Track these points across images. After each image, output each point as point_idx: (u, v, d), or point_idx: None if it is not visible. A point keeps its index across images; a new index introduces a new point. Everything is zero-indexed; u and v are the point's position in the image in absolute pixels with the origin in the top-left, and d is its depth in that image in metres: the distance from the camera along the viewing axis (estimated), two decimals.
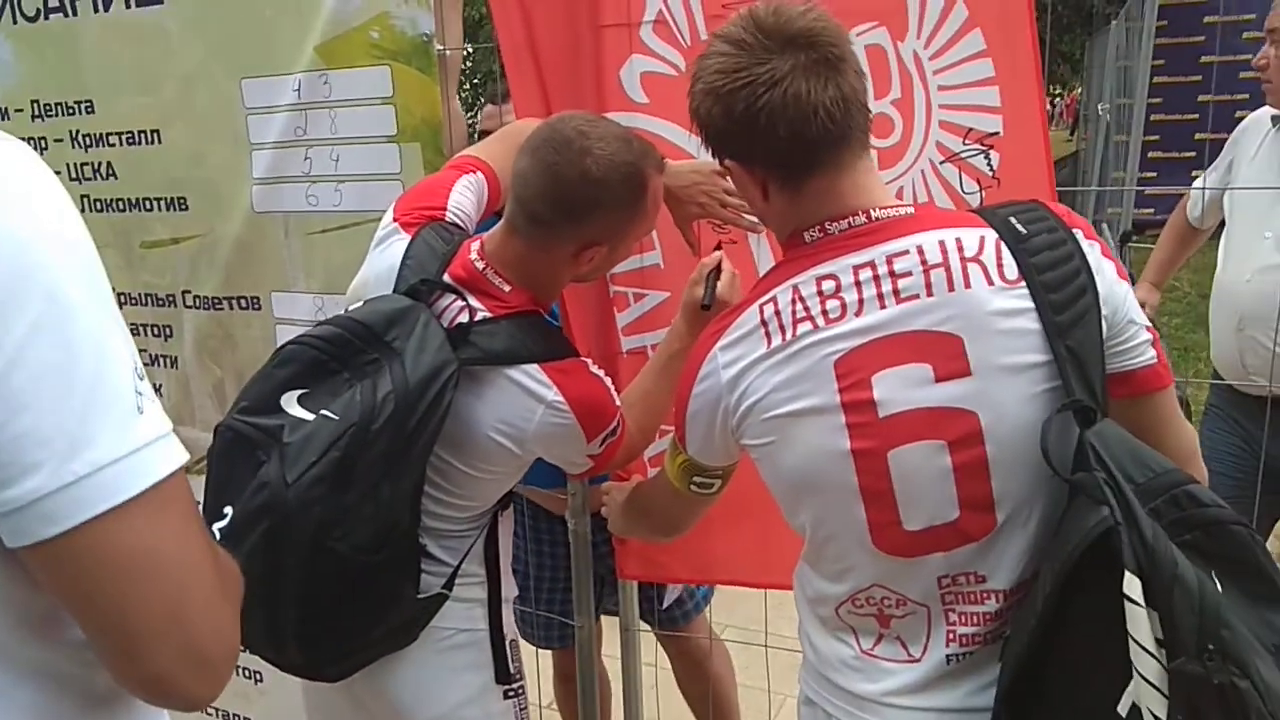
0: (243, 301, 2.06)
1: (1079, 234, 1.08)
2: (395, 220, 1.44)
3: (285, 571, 1.21)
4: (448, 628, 1.43)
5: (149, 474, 0.67)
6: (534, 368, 1.33)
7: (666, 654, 2.36)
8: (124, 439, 0.66)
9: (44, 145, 2.15)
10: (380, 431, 1.21)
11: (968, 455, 1.04)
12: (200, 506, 0.86)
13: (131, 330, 0.70)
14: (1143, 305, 2.51)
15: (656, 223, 1.52)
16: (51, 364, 0.64)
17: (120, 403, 0.67)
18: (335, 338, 1.28)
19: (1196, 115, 7.51)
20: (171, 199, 2.06)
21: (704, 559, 1.83)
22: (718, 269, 1.44)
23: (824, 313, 1.07)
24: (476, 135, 2.40)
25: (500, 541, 1.50)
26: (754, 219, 1.47)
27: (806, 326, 1.07)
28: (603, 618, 2.26)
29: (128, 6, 1.96)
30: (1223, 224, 2.38)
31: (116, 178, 2.11)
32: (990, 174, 1.52)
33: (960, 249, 1.05)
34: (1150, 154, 7.69)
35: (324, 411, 1.22)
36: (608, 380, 1.41)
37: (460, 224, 1.46)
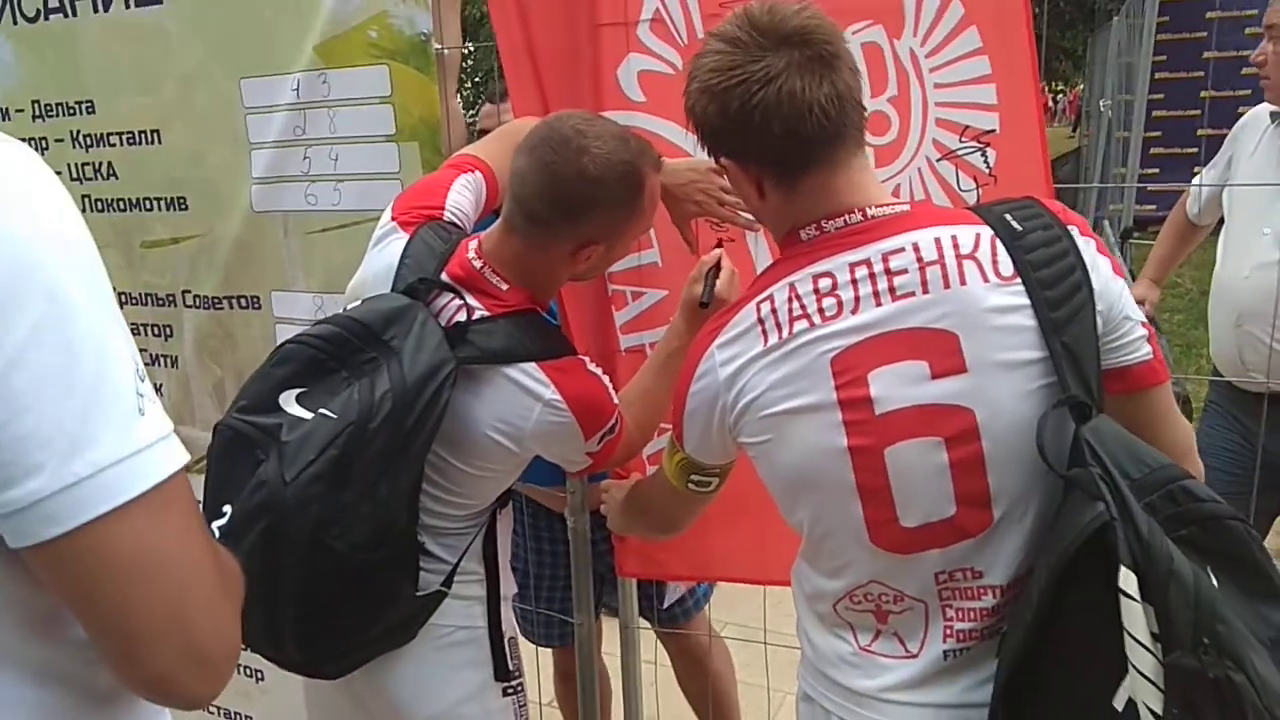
0: (243, 301, 2.06)
1: (1074, 230, 1.08)
2: (393, 219, 1.45)
3: (283, 570, 1.21)
4: (447, 625, 1.44)
5: (150, 475, 0.68)
6: (531, 366, 1.33)
7: (666, 652, 2.36)
8: (125, 440, 0.67)
9: (45, 145, 2.16)
10: (378, 430, 1.22)
11: (964, 452, 1.05)
12: (200, 505, 0.86)
13: (132, 330, 0.71)
14: (1142, 302, 2.53)
15: (654, 221, 1.52)
16: (52, 365, 0.64)
17: (121, 404, 0.67)
18: (333, 336, 1.28)
19: (1198, 111, 7.50)
20: (171, 199, 2.07)
21: (702, 556, 1.83)
22: (717, 267, 1.44)
23: (820, 310, 1.07)
24: (476, 134, 2.41)
25: (499, 539, 1.50)
26: (751, 217, 1.47)
27: (803, 324, 1.08)
28: (602, 616, 2.26)
29: (127, 7, 1.97)
30: (1222, 220, 2.38)
31: (117, 178, 2.12)
32: (987, 171, 1.52)
33: (956, 246, 1.05)
34: (1152, 150, 7.68)
35: (322, 410, 1.23)
36: (605, 378, 1.41)
37: (458, 223, 1.46)
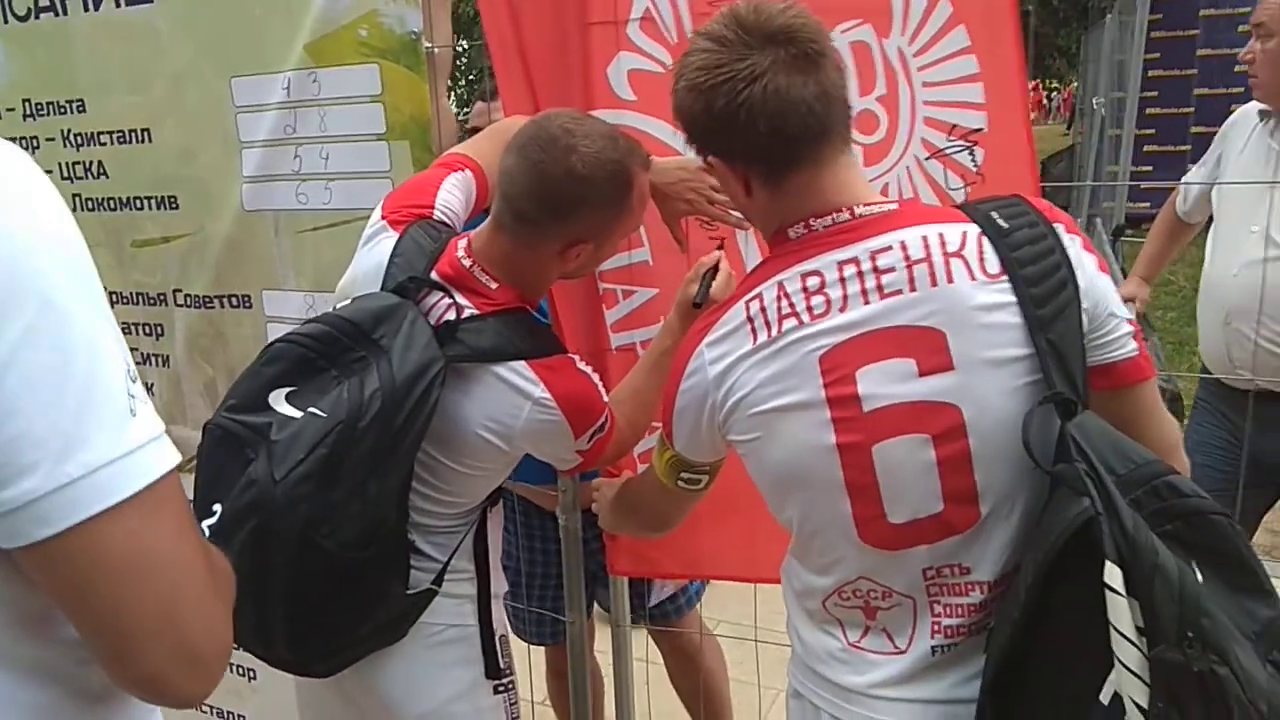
0: (234, 300, 2.06)
1: (1060, 228, 1.09)
2: (383, 218, 1.45)
3: (273, 568, 1.21)
4: (437, 623, 1.44)
5: (142, 476, 0.68)
6: (521, 365, 1.34)
7: (659, 650, 2.37)
8: (117, 441, 0.67)
9: (35, 145, 2.15)
10: (367, 429, 1.22)
11: (951, 449, 1.05)
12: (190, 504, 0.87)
13: (123, 329, 0.71)
14: (1133, 300, 2.54)
15: (644, 220, 1.52)
16: (46, 367, 0.65)
17: (113, 405, 0.67)
18: (323, 335, 1.28)
19: (1192, 109, 7.52)
20: (162, 198, 2.07)
21: (693, 555, 1.84)
22: (715, 268, 1.45)
23: (809, 309, 1.08)
24: (468, 132, 2.41)
25: (490, 537, 1.50)
26: (741, 216, 1.47)
27: (792, 323, 1.08)
28: (594, 614, 2.26)
29: (118, 6, 1.97)
30: (1212, 218, 2.39)
31: (107, 177, 2.12)
32: (975, 170, 1.52)
33: (943, 244, 1.06)
34: (1145, 148, 7.69)
35: (312, 409, 1.23)
36: (595, 377, 1.41)
37: (448, 222, 1.46)
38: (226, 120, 1.93)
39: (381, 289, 1.36)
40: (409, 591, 1.39)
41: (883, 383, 1.05)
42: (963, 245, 1.06)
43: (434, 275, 1.37)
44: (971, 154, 1.51)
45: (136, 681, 0.72)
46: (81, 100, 2.08)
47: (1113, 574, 0.92)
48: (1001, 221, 1.08)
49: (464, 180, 1.51)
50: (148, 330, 2.19)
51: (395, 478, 1.28)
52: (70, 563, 0.66)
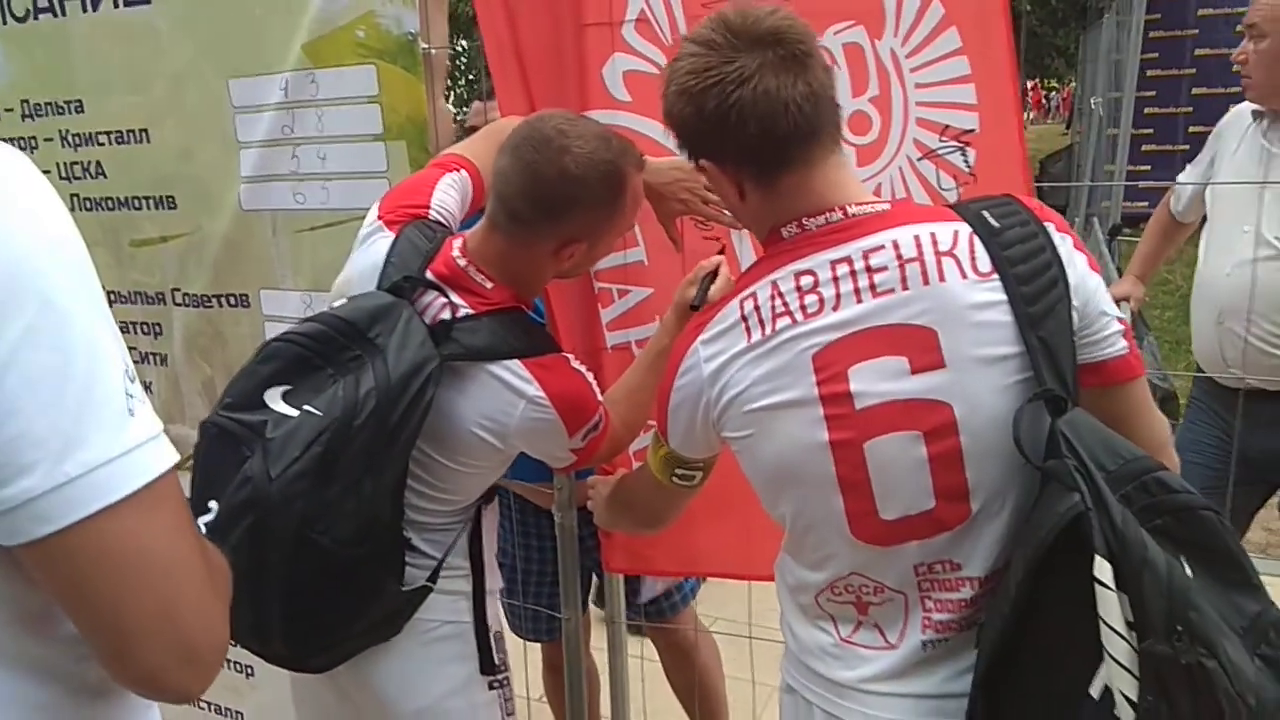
0: (231, 299, 2.07)
1: (1051, 227, 1.10)
2: (379, 218, 1.46)
3: (269, 565, 1.22)
4: (432, 620, 1.44)
5: (140, 475, 0.69)
6: (515, 363, 1.34)
7: (655, 646, 2.38)
8: (115, 440, 0.68)
9: (34, 145, 2.16)
10: (362, 427, 1.23)
11: (942, 446, 1.06)
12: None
13: (121, 328, 0.72)
14: (1127, 298, 2.54)
15: (640, 219, 1.53)
16: (45, 368, 0.65)
17: (111, 405, 0.68)
18: (319, 334, 1.29)
19: (1190, 108, 7.52)
20: (160, 198, 2.07)
21: (688, 552, 1.85)
22: (714, 272, 1.45)
23: (802, 308, 1.09)
24: (465, 131, 2.41)
25: (485, 535, 1.51)
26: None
27: (785, 321, 1.09)
28: (590, 610, 2.27)
29: (116, 6, 1.98)
30: (1206, 218, 2.39)
31: (106, 177, 2.12)
32: (967, 170, 1.53)
33: (935, 243, 1.07)
34: (1143, 147, 7.70)
35: (307, 407, 1.24)
36: (590, 375, 1.42)
37: (444, 222, 1.47)
38: (224, 120, 1.93)
39: (377, 288, 1.37)
40: (404, 588, 1.39)
41: (875, 380, 1.06)
42: (954, 244, 1.07)
43: (429, 275, 1.38)
44: (964, 154, 1.52)
45: (135, 678, 0.73)
46: (80, 101, 2.09)
47: (1102, 568, 0.93)
48: (993, 221, 1.09)
49: (460, 180, 1.51)
50: (146, 329, 2.20)
51: (390, 475, 1.29)
52: (69, 560, 0.67)
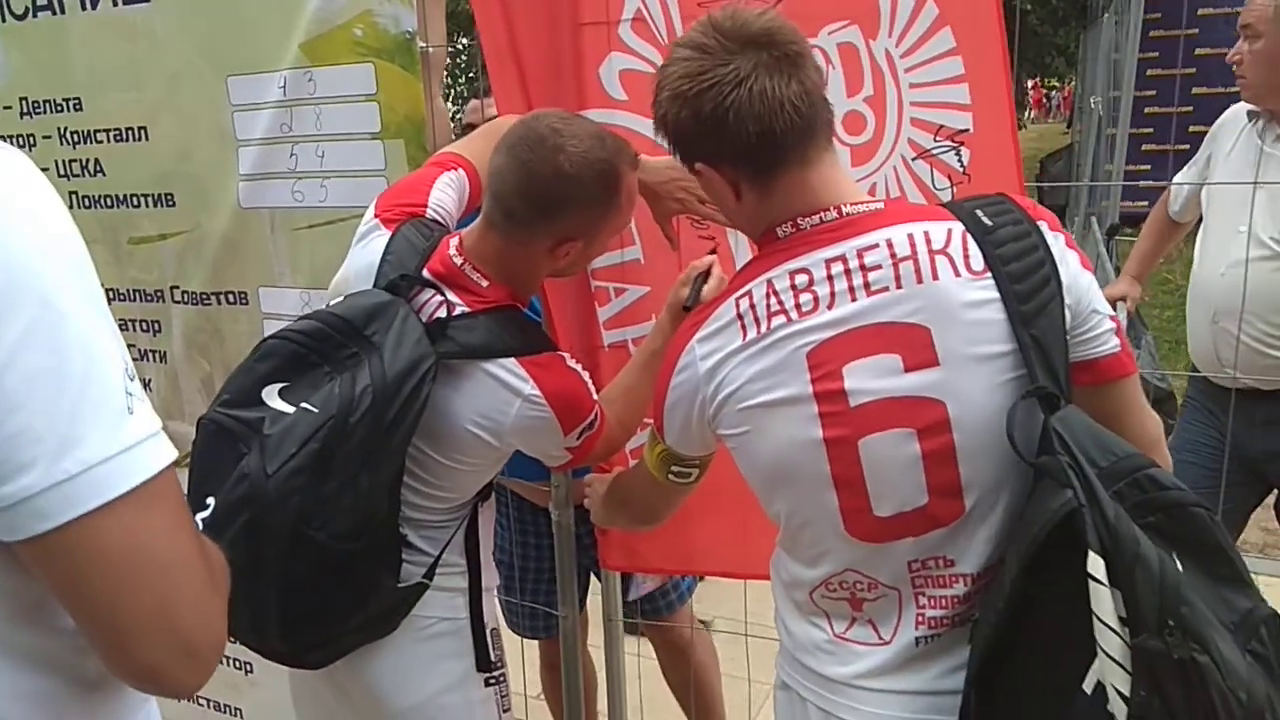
0: (230, 297, 2.07)
1: (1043, 225, 1.10)
2: (376, 216, 1.46)
3: (266, 561, 1.23)
4: (429, 616, 1.45)
5: (138, 472, 0.69)
6: (511, 362, 1.35)
7: (652, 644, 2.39)
8: (114, 438, 0.68)
9: (32, 142, 2.17)
10: (358, 424, 1.23)
11: (936, 443, 1.06)
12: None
13: (120, 326, 0.72)
14: (1124, 298, 2.55)
15: (636, 218, 1.53)
16: (43, 367, 0.66)
17: (110, 403, 0.69)
18: (316, 332, 1.30)
19: (1191, 108, 7.51)
20: (159, 195, 2.08)
21: (685, 550, 1.85)
22: (707, 272, 1.46)
23: (797, 306, 1.09)
24: (462, 129, 2.42)
25: (481, 532, 1.52)
26: None
27: (780, 319, 1.10)
28: (588, 608, 2.28)
29: (115, 4, 1.98)
30: (1202, 218, 2.40)
31: (104, 174, 2.13)
32: (961, 170, 1.54)
33: (928, 242, 1.07)
34: (1144, 146, 7.69)
35: (304, 404, 1.24)
36: (585, 374, 1.43)
37: (441, 220, 1.47)
38: (223, 118, 1.94)
39: (374, 286, 1.38)
40: (400, 584, 1.40)
41: (869, 378, 1.07)
42: (947, 243, 1.07)
43: (426, 273, 1.38)
44: (958, 154, 1.52)
45: (133, 672, 0.73)
46: (78, 98, 2.10)
47: (1095, 564, 0.94)
48: (985, 219, 1.09)
49: (457, 179, 1.52)
50: (145, 326, 2.20)
51: (386, 472, 1.29)
52: (68, 557, 0.68)
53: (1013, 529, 1.08)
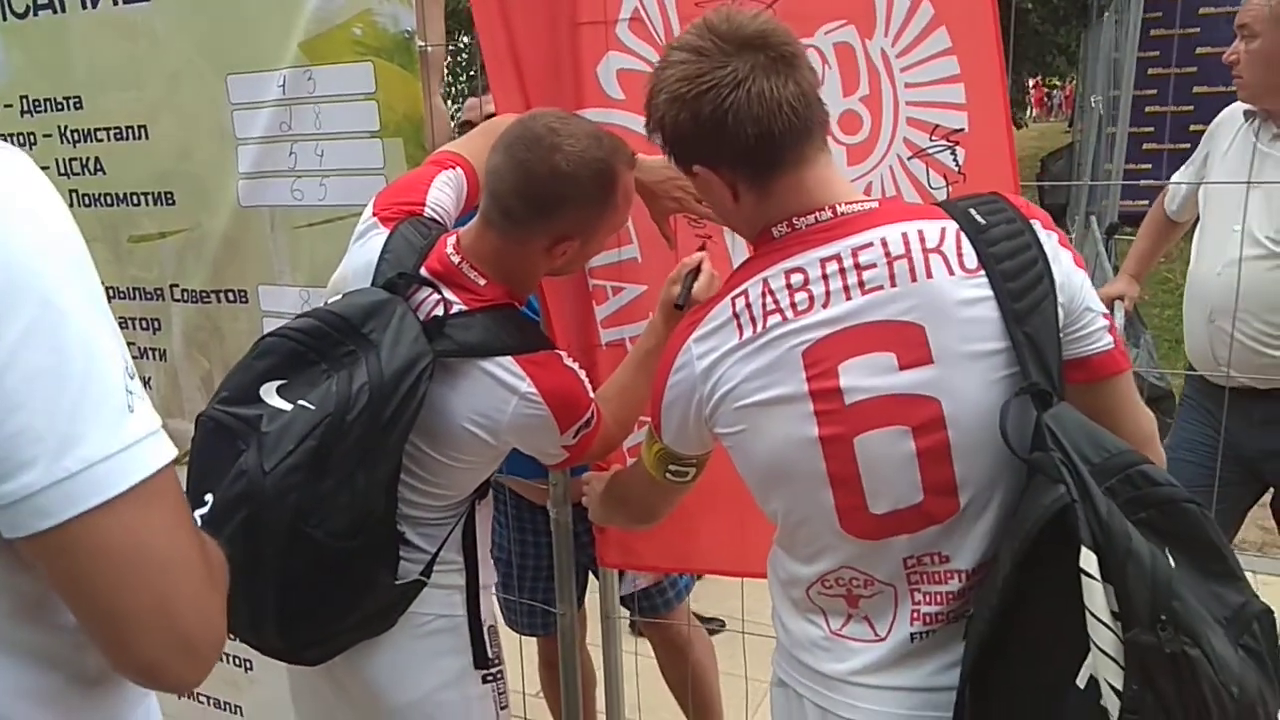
0: (230, 295, 2.08)
1: (1036, 224, 1.11)
2: (374, 215, 1.47)
3: (264, 558, 1.23)
4: (426, 613, 1.46)
5: (138, 470, 0.70)
6: (508, 360, 1.35)
7: (650, 642, 2.39)
8: (114, 437, 0.69)
9: (33, 140, 2.17)
10: (355, 421, 1.24)
11: (930, 440, 1.07)
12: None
13: (120, 324, 0.73)
14: (1122, 297, 2.55)
15: (633, 217, 1.54)
16: (44, 366, 0.67)
17: (110, 402, 0.69)
18: (313, 330, 1.30)
19: (1192, 107, 7.50)
20: (159, 194, 2.09)
21: (682, 549, 1.86)
22: (697, 269, 1.47)
23: (793, 305, 1.10)
24: (459, 126, 2.42)
25: (479, 529, 1.52)
26: None
27: (776, 319, 1.10)
28: (586, 605, 2.28)
29: (115, 3, 1.99)
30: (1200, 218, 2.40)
31: (104, 173, 2.14)
32: (956, 169, 1.54)
33: (922, 240, 1.08)
34: (1145, 145, 7.69)
35: (301, 401, 1.25)
36: (582, 373, 1.43)
37: (439, 219, 1.48)
38: (222, 117, 1.95)
39: (372, 285, 1.38)
40: (397, 582, 1.40)
41: (864, 376, 1.07)
42: (941, 241, 1.08)
43: (423, 271, 1.39)
44: (953, 154, 1.53)
45: (134, 668, 0.74)
46: (79, 97, 2.10)
47: (1088, 559, 0.94)
48: (979, 218, 1.10)
49: (455, 178, 1.52)
50: (145, 325, 2.21)
51: (383, 469, 1.30)
52: (69, 554, 0.69)
53: (1007, 525, 1.08)
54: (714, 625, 2.85)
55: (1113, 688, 0.95)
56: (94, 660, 0.77)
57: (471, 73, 12.46)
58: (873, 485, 1.09)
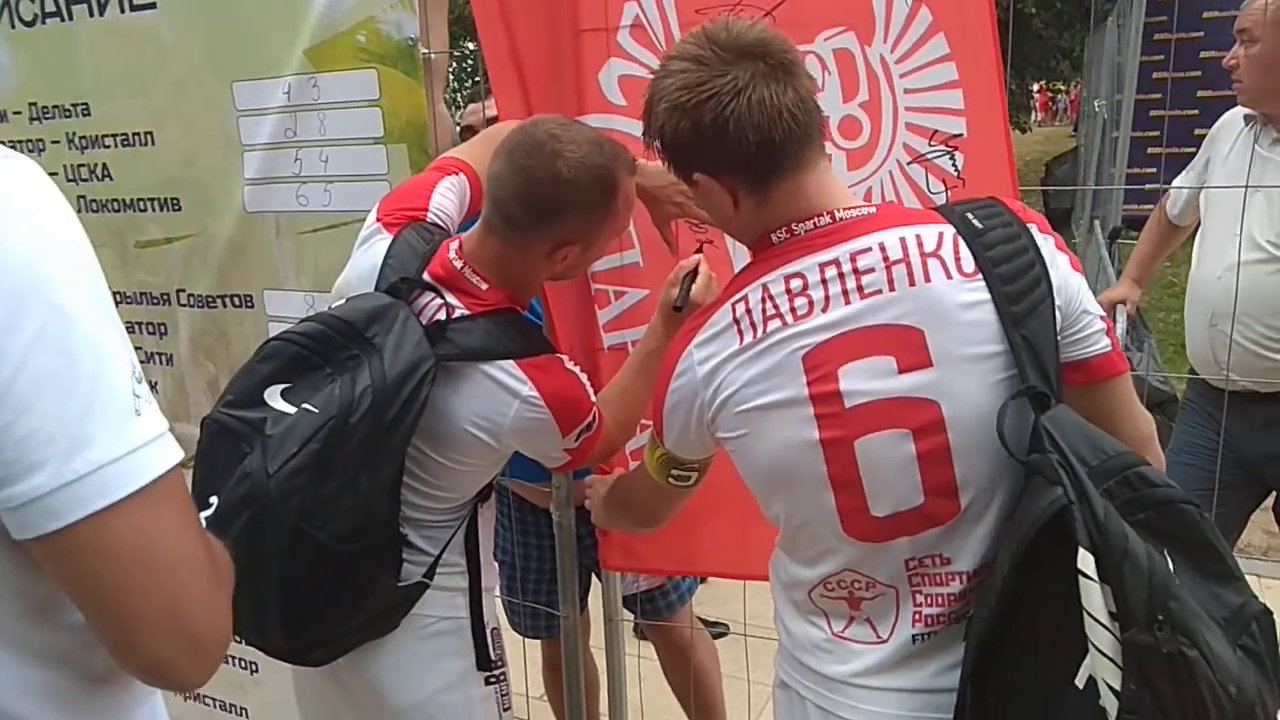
0: (235, 299, 2.09)
1: (1033, 228, 1.12)
2: (378, 220, 1.48)
3: (267, 559, 1.24)
4: (429, 615, 1.46)
5: (145, 472, 0.71)
6: (510, 364, 1.36)
7: (653, 645, 2.40)
8: (122, 439, 0.70)
9: (41, 147, 2.19)
10: (358, 424, 1.25)
11: (930, 443, 1.08)
12: None
13: (127, 328, 0.74)
14: (1124, 301, 2.55)
15: (635, 222, 1.55)
16: (53, 370, 0.68)
17: (118, 405, 0.71)
18: (317, 334, 1.31)
19: (1196, 111, 7.49)
20: (165, 199, 2.10)
21: (684, 551, 1.86)
22: (694, 272, 1.47)
23: (792, 310, 1.10)
24: (461, 131, 2.43)
25: (481, 532, 1.53)
26: None
27: (776, 323, 1.11)
28: (589, 608, 2.29)
29: (122, 11, 2.00)
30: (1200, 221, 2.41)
31: (112, 179, 2.15)
32: (955, 174, 1.55)
33: (920, 245, 1.09)
34: (1149, 150, 7.67)
35: (305, 405, 1.26)
36: (583, 376, 1.44)
37: (441, 224, 1.49)
38: (228, 123, 1.96)
39: (375, 289, 1.39)
40: (400, 584, 1.41)
41: (864, 380, 1.08)
42: (939, 245, 1.09)
43: (426, 276, 1.40)
44: (952, 158, 1.54)
45: (142, 667, 0.75)
46: (86, 104, 2.12)
47: (1085, 560, 0.95)
48: (976, 222, 1.10)
49: (458, 184, 1.53)
50: (151, 329, 2.22)
51: (386, 472, 1.30)
52: (78, 554, 0.70)
53: (1006, 527, 1.09)
54: (718, 629, 2.86)
55: (1111, 688, 0.95)
56: (101, 659, 0.78)
57: (476, 78, 12.47)
58: (874, 488, 1.10)
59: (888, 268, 1.08)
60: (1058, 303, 1.09)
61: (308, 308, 1.98)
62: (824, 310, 1.09)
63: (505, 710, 1.57)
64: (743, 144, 1.07)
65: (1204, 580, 1.00)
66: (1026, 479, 1.05)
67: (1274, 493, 2.35)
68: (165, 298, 2.18)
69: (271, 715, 2.26)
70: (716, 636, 2.68)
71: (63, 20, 2.07)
